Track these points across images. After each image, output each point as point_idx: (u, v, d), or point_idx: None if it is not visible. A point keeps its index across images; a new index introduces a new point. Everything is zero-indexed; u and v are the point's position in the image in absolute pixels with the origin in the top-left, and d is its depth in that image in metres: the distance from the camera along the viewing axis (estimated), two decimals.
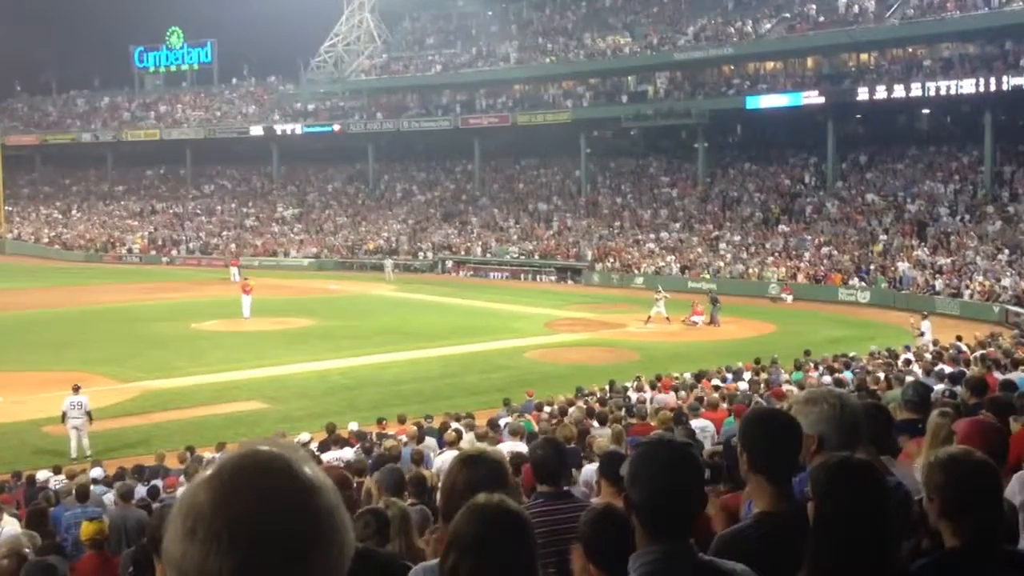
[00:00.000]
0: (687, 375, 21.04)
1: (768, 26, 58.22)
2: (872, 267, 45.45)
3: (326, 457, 14.11)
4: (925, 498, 3.22)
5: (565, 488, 5.25)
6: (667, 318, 37.20)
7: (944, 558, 3.10)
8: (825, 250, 48.61)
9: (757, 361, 22.85)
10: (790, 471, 3.39)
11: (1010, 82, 45.44)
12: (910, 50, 53.93)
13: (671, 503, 2.78)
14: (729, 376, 20.91)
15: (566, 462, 5.49)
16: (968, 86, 47.01)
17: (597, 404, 17.30)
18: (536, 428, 14.11)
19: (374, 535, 5.24)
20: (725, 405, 15.30)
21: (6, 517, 11.02)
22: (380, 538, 5.29)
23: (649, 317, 37.32)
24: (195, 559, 1.32)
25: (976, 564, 2.99)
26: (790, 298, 44.46)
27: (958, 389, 11.24)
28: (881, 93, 50.36)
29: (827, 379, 17.60)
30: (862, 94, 51.29)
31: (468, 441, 13.52)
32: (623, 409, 15.94)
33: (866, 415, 3.87)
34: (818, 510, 2.90)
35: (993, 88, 46.10)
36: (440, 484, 5.28)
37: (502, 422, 15.74)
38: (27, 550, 7.34)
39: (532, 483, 5.45)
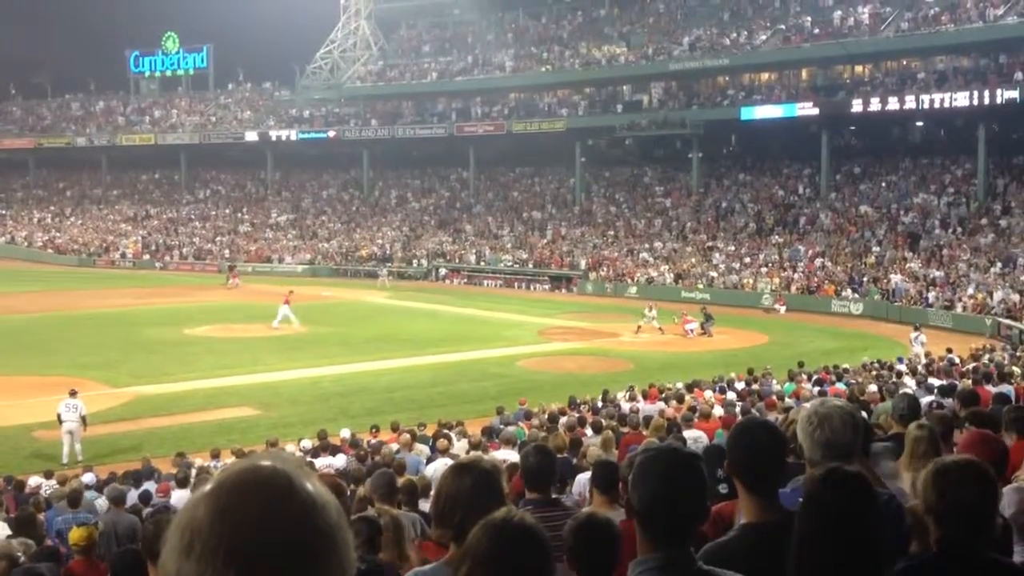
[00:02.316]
0: (679, 385, 21.04)
1: (763, 37, 58.44)
2: (865, 279, 45.53)
3: (317, 463, 14.07)
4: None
5: (554, 496, 5.25)
6: (660, 329, 37.23)
7: (924, 561, 3.12)
8: (818, 261, 48.70)
9: (750, 371, 22.87)
10: (772, 482, 3.38)
11: (1004, 95, 45.66)
12: (904, 63, 54.21)
13: (673, 510, 2.77)
14: (716, 388, 20.89)
15: (556, 470, 5.49)
16: (962, 99, 47.22)
17: (590, 414, 17.27)
18: (527, 436, 14.08)
19: (365, 543, 5.24)
20: (716, 413, 15.28)
21: None
22: (371, 547, 5.29)
23: (639, 327, 37.36)
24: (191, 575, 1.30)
25: (953, 569, 3.01)
26: (783, 309, 44.47)
27: (947, 401, 11.27)
28: (875, 105, 50.53)
29: (815, 390, 17.62)
30: (856, 106, 51.45)
31: (461, 449, 13.49)
32: (615, 419, 15.91)
33: (855, 428, 3.86)
34: (807, 520, 2.90)
35: (987, 101, 46.30)
36: (433, 491, 5.27)
37: (496, 430, 15.72)
38: (19, 554, 7.31)
39: (520, 489, 5.45)
